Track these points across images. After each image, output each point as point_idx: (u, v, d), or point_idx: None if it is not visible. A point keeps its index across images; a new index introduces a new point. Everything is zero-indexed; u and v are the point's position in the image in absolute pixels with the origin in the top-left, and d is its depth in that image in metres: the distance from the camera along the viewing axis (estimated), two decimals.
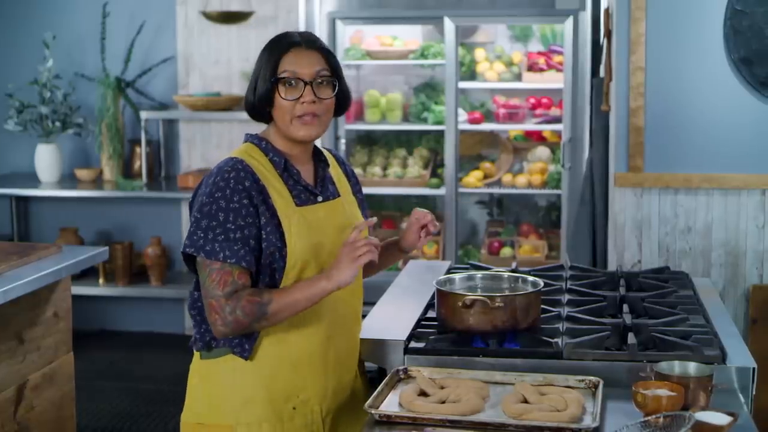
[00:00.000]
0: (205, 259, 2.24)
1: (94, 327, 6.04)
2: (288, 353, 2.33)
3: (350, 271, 2.22)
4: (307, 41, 2.34)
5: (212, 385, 2.35)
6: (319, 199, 2.37)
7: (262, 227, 2.27)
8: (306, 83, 2.30)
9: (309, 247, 2.31)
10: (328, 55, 2.35)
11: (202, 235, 2.24)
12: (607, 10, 4.37)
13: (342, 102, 2.40)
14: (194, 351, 2.40)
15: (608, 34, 4.29)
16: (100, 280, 5.84)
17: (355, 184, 2.57)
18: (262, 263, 2.28)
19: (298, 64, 2.30)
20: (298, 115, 2.31)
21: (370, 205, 6.42)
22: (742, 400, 2.36)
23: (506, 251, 5.99)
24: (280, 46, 2.32)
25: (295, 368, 2.34)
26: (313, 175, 2.41)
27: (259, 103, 2.32)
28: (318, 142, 2.50)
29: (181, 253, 2.30)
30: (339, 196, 2.45)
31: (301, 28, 5.71)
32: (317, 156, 2.44)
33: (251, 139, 2.39)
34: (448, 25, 5.69)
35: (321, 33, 5.83)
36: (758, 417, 2.43)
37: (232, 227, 2.23)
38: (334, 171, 2.50)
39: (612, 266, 4.12)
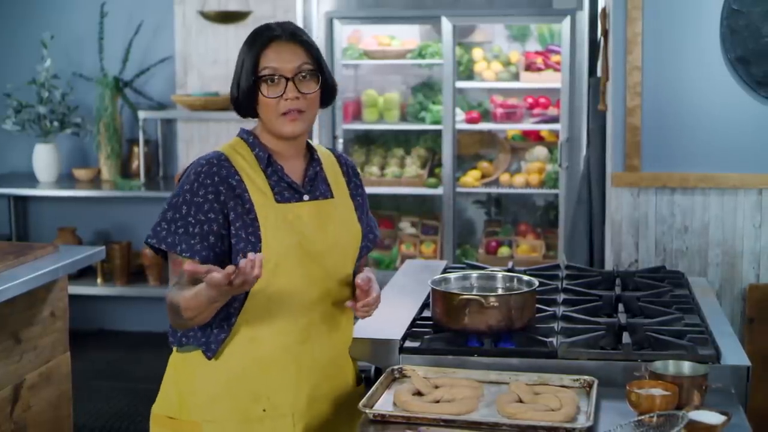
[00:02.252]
0: (168, 251, 2.26)
1: (93, 327, 6.04)
2: (258, 353, 2.27)
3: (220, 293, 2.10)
4: (288, 33, 2.27)
5: (183, 379, 2.32)
6: (305, 197, 2.31)
7: (232, 222, 2.23)
8: (288, 79, 2.24)
9: (285, 246, 2.25)
10: (309, 48, 2.28)
11: (165, 226, 2.25)
12: (604, 10, 4.37)
13: (327, 93, 2.34)
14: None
15: (605, 34, 4.29)
16: (99, 280, 5.84)
17: (357, 186, 2.47)
18: (235, 261, 2.21)
19: (278, 60, 2.24)
20: (282, 112, 2.26)
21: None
22: (737, 399, 2.36)
23: (504, 251, 6.00)
24: (261, 39, 2.26)
25: (265, 369, 2.28)
26: (302, 173, 2.35)
27: (242, 100, 2.29)
28: (315, 141, 2.48)
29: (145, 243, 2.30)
30: (332, 197, 2.37)
31: None
32: (310, 153, 2.38)
33: (241, 133, 2.36)
34: (446, 24, 5.69)
35: (318, 32, 5.84)
36: (753, 416, 2.44)
37: (192, 221, 2.22)
38: (331, 171, 2.41)
39: (609, 266, 4.12)
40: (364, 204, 2.48)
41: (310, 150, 2.40)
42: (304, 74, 2.26)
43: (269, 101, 2.25)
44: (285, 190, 2.30)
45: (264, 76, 2.24)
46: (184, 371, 2.32)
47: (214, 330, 2.28)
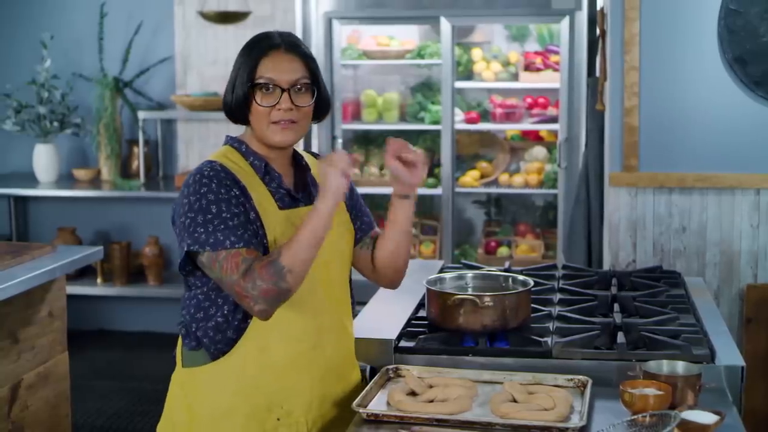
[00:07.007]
0: (211, 253, 2.16)
1: (92, 326, 6.05)
2: (271, 361, 2.25)
3: (336, 179, 2.14)
4: (288, 44, 2.26)
5: (192, 395, 2.28)
6: (301, 204, 2.29)
7: (251, 222, 2.21)
8: (283, 90, 2.23)
9: None
10: (309, 60, 2.27)
11: (201, 230, 2.16)
12: (601, 10, 4.38)
13: (321, 108, 2.32)
14: (175, 361, 2.34)
15: (603, 34, 4.29)
16: (98, 280, 5.85)
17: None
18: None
19: (276, 70, 2.22)
20: (274, 120, 2.24)
21: (366, 204, 6.43)
22: (731, 399, 2.36)
23: (503, 251, 6.00)
24: (260, 47, 2.25)
25: (279, 377, 2.26)
26: (293, 180, 2.34)
27: (236, 106, 2.26)
28: (301, 144, 2.45)
29: (185, 255, 2.20)
30: None
31: (298, 27, 5.72)
32: (296, 160, 2.37)
33: (230, 141, 2.33)
34: (445, 24, 5.70)
35: (317, 33, 5.84)
36: (750, 417, 2.44)
37: (228, 215, 2.16)
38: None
39: (607, 266, 4.12)
40: (357, 200, 2.47)
41: (296, 157, 2.38)
42: (299, 87, 2.25)
43: (262, 109, 2.23)
44: (284, 197, 2.28)
45: (259, 84, 2.22)
46: (193, 386, 2.28)
47: (228, 332, 2.23)
